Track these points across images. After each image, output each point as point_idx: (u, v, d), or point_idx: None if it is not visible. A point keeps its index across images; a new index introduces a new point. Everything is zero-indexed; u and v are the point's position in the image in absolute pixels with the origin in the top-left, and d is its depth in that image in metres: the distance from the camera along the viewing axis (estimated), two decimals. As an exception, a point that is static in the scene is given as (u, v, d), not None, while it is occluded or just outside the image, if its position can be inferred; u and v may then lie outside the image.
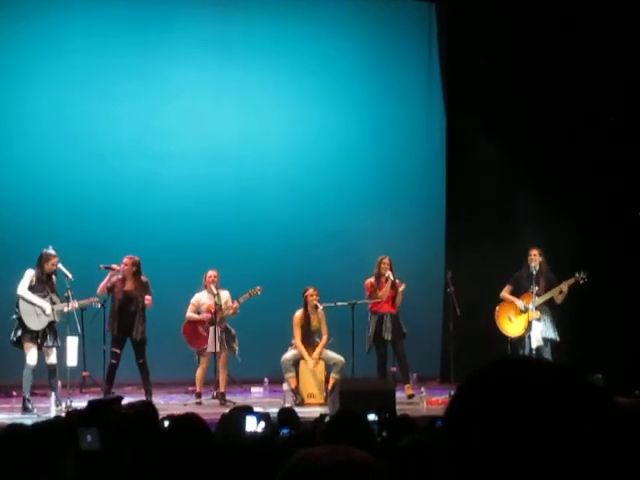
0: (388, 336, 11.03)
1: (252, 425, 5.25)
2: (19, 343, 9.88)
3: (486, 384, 1.12)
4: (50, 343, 9.93)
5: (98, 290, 10.48)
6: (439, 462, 1.12)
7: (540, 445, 1.06)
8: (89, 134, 12.82)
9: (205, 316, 10.87)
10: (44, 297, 9.95)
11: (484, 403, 1.10)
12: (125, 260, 10.55)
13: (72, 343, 10.20)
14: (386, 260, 11.14)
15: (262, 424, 5.31)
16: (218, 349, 10.65)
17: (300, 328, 10.99)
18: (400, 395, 10.16)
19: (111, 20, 12.94)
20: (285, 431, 5.46)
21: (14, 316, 9.88)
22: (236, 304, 10.87)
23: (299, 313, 11.04)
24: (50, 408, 9.47)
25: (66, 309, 9.98)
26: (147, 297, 10.47)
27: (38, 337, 9.88)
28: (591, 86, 12.27)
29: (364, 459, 1.17)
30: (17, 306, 9.90)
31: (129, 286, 10.54)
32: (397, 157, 13.58)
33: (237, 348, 10.91)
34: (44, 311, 9.89)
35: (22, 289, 9.92)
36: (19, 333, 9.86)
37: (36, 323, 9.87)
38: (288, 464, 1.20)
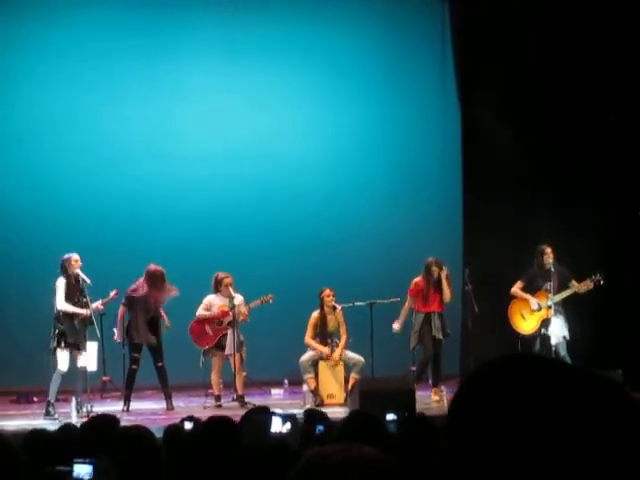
0: (439, 334, 11.00)
1: (277, 426, 5.27)
2: (55, 352, 9.92)
3: (487, 383, 1.12)
4: (82, 347, 9.98)
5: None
6: (441, 461, 1.12)
7: (540, 443, 1.06)
8: (101, 137, 12.85)
9: (216, 312, 10.86)
10: (76, 303, 10.00)
11: (485, 402, 1.10)
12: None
13: (92, 348, 10.24)
14: (434, 262, 11.09)
15: (287, 425, 5.33)
16: (232, 352, 10.66)
17: (314, 327, 10.98)
18: (420, 394, 10.15)
19: (121, 24, 12.96)
20: (321, 427, 5.48)
21: (56, 331, 9.89)
22: (245, 309, 10.86)
23: (316, 313, 11.04)
24: (71, 413, 9.50)
25: (90, 311, 10.01)
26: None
27: (79, 347, 9.94)
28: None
29: (375, 456, 1.17)
30: (59, 321, 9.90)
31: (145, 291, 10.56)
32: (412, 155, 13.53)
33: (244, 355, 10.88)
34: (84, 318, 9.91)
35: (61, 303, 9.92)
36: (58, 344, 9.88)
37: (76, 335, 9.93)
38: (300, 462, 1.20)
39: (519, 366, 1.12)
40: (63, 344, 9.86)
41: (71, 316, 9.92)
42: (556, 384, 1.09)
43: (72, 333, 9.90)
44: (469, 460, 1.08)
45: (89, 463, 3.66)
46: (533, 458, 1.05)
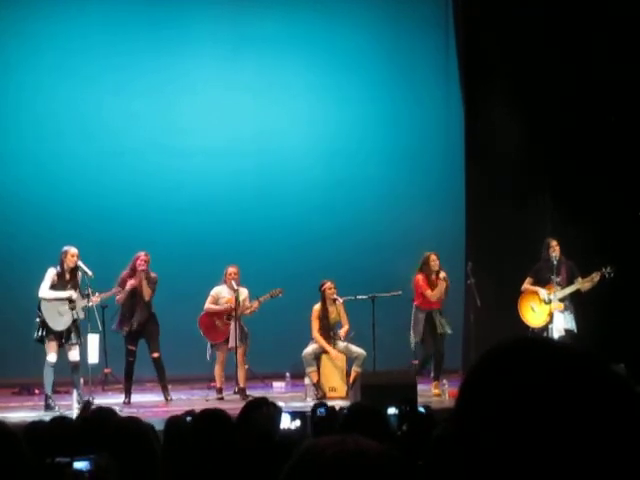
0: (444, 329, 10.95)
1: (286, 422, 5.26)
2: (42, 341, 9.88)
3: (499, 366, 1.09)
4: (73, 340, 9.91)
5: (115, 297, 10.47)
6: (450, 450, 1.08)
7: (556, 432, 1.03)
8: (105, 131, 12.85)
9: (225, 306, 10.83)
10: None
11: (497, 387, 1.07)
12: (147, 258, 10.50)
13: (93, 340, 10.21)
14: (434, 257, 11.03)
15: (297, 422, 5.32)
16: (236, 344, 10.64)
17: (318, 320, 10.99)
18: (421, 387, 10.14)
19: (127, 17, 12.96)
20: (322, 410, 5.52)
21: (37, 319, 9.84)
22: (256, 304, 10.84)
23: (317, 306, 11.04)
24: (72, 405, 9.48)
25: (91, 303, 9.93)
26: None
27: (62, 336, 9.88)
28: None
29: (373, 448, 1.14)
30: (39, 309, 9.82)
31: (137, 282, 10.51)
32: (415, 149, 13.53)
33: (247, 348, 10.86)
34: (70, 300, 9.81)
35: (43, 291, 9.84)
36: (42, 333, 9.85)
37: (59, 323, 9.85)
38: (295, 455, 1.17)
39: (532, 349, 1.10)
40: (45, 332, 9.79)
41: (54, 305, 9.85)
42: (575, 371, 1.07)
43: (57, 323, 9.83)
44: (479, 450, 1.05)
45: (87, 459, 3.64)
46: (544, 446, 1.03)
